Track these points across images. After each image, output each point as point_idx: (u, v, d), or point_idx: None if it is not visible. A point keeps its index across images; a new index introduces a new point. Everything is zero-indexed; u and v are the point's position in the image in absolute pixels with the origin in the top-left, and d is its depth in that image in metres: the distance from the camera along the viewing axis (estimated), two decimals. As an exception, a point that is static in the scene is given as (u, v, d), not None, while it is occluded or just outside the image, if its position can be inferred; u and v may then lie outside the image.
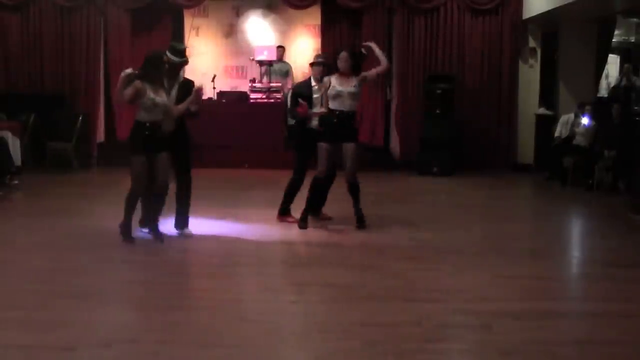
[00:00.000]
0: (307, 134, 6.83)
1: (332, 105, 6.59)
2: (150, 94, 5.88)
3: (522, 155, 11.83)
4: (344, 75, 6.61)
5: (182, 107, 6.14)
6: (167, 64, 6.12)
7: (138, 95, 5.86)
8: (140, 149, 5.92)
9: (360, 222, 6.78)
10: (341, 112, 6.59)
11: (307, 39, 13.14)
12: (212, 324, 4.19)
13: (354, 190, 6.75)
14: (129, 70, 5.93)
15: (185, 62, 6.46)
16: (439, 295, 4.76)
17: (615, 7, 10.58)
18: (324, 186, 6.92)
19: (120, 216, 6.25)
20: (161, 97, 5.98)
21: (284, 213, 7.05)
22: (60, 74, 11.82)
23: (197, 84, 6.38)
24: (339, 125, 6.60)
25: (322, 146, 6.64)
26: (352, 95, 6.61)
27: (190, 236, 6.41)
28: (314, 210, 6.98)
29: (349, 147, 6.64)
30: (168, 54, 6.24)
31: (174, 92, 6.27)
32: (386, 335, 4.02)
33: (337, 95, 6.57)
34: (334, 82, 6.58)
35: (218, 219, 7.03)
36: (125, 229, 6.10)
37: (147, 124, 5.93)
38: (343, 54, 6.65)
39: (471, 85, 11.69)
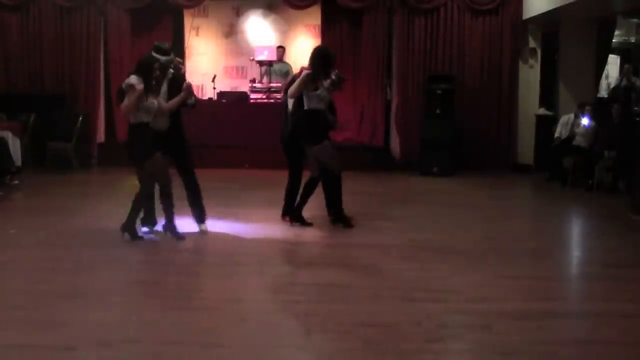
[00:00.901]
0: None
1: (318, 106, 6.66)
2: (148, 97, 6.00)
3: (522, 156, 11.83)
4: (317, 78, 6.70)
5: (173, 103, 6.23)
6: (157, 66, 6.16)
7: (140, 99, 5.94)
8: (152, 150, 6.03)
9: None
10: (323, 111, 6.76)
11: (307, 39, 13.14)
12: (212, 324, 4.19)
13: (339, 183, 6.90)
14: (141, 86, 5.97)
15: (172, 60, 6.42)
16: (439, 295, 4.76)
17: (615, 8, 10.58)
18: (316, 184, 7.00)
19: (118, 216, 6.26)
20: (155, 100, 6.10)
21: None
22: (60, 74, 11.83)
23: (196, 83, 6.41)
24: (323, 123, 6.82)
25: (327, 143, 6.72)
26: (328, 97, 6.80)
27: (205, 232, 6.53)
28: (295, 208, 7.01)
29: (330, 144, 6.83)
30: (153, 53, 6.26)
31: (164, 87, 6.33)
32: (386, 335, 4.03)
33: (321, 99, 6.69)
34: (320, 85, 6.66)
35: (218, 219, 7.03)
36: (132, 228, 6.17)
37: (150, 125, 6.06)
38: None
39: (471, 85, 11.69)
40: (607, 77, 13.18)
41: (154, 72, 6.08)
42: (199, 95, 12.30)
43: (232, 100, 11.74)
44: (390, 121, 11.98)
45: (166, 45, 6.49)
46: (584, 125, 10.12)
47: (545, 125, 11.44)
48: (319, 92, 6.61)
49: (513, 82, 11.70)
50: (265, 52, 12.09)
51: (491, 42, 11.66)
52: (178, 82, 6.42)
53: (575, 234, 7.60)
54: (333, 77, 6.70)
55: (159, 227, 6.52)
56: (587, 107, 10.19)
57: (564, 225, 7.80)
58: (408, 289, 4.94)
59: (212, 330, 4.10)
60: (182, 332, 4.05)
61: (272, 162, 11.26)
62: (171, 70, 6.44)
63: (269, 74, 12.04)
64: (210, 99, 11.89)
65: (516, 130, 11.80)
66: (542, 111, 11.73)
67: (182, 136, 6.47)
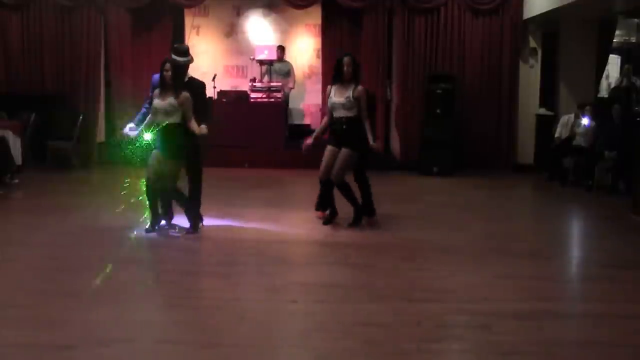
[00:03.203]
0: None
1: (333, 113, 6.83)
2: (155, 98, 6.25)
3: (522, 156, 11.83)
4: (344, 83, 6.75)
5: (194, 127, 6.24)
6: (172, 66, 6.25)
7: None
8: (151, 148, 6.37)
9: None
10: (338, 119, 6.78)
11: (307, 38, 13.16)
12: (211, 324, 4.19)
13: (340, 190, 6.90)
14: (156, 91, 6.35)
15: (189, 61, 6.50)
16: (439, 295, 4.76)
17: (616, 8, 10.58)
18: (329, 187, 6.96)
19: (117, 215, 6.23)
20: (165, 101, 6.19)
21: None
22: (61, 74, 11.82)
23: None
24: (339, 131, 6.79)
25: (326, 148, 6.86)
26: (343, 106, 6.73)
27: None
28: (324, 208, 7.13)
29: (341, 152, 6.75)
30: (173, 55, 6.37)
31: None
32: (386, 335, 4.02)
33: (333, 107, 6.80)
34: (332, 93, 6.80)
35: (218, 219, 7.03)
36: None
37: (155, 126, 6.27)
38: (347, 59, 6.76)
39: (471, 85, 11.68)
40: (607, 77, 13.16)
41: (165, 72, 6.22)
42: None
43: (232, 100, 11.75)
44: (390, 121, 11.98)
45: (185, 47, 6.60)
46: (584, 125, 10.11)
47: (545, 125, 11.45)
48: (328, 100, 6.84)
49: (513, 82, 11.70)
50: (266, 52, 12.11)
51: (492, 42, 11.65)
52: (191, 85, 6.46)
53: (575, 234, 7.60)
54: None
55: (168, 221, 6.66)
56: (588, 107, 10.19)
57: (563, 225, 7.79)
58: (407, 289, 4.94)
59: (211, 329, 4.10)
60: (182, 331, 4.05)
61: (273, 161, 11.30)
62: (188, 74, 6.54)
63: (269, 73, 12.04)
64: (210, 98, 11.89)
65: (516, 130, 11.79)
66: (542, 111, 11.73)
67: (193, 142, 6.41)
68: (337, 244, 6.31)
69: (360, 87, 6.75)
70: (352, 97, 6.68)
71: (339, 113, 6.76)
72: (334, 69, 6.90)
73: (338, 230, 6.77)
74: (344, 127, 6.74)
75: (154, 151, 6.31)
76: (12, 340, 3.84)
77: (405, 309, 4.49)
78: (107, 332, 3.97)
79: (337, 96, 6.76)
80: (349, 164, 6.79)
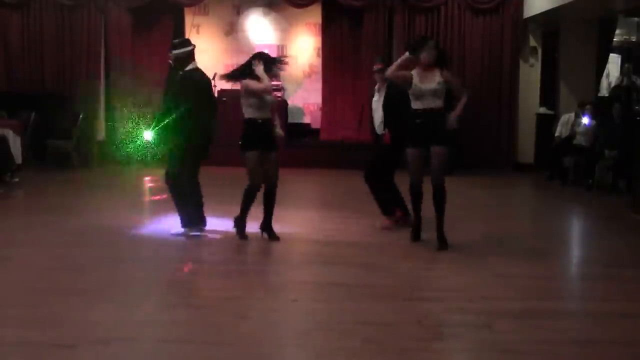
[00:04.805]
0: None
1: (415, 105, 5.91)
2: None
3: (522, 155, 11.84)
4: (427, 69, 5.87)
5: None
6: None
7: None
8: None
9: (441, 242, 6.06)
10: (428, 110, 5.88)
11: (307, 37, 13.16)
12: (212, 323, 4.19)
13: (438, 196, 6.14)
14: None
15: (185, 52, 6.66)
16: (439, 294, 4.76)
17: (616, 7, 10.58)
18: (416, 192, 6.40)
19: (118, 214, 6.23)
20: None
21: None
22: (61, 73, 11.83)
23: None
24: (424, 126, 5.89)
25: (410, 152, 6.07)
26: (435, 93, 5.86)
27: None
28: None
29: (437, 153, 5.93)
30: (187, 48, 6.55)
31: None
32: (386, 334, 4.02)
33: (420, 95, 5.86)
34: (415, 80, 5.85)
35: (218, 218, 7.02)
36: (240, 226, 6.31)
37: (260, 121, 6.63)
38: (431, 42, 5.99)
39: (472, 84, 11.67)
40: (607, 76, 13.17)
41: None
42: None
43: (232, 99, 11.72)
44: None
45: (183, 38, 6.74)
46: (585, 125, 10.12)
47: (545, 124, 11.46)
48: (410, 90, 5.90)
49: (514, 81, 11.71)
50: (266, 51, 12.07)
51: (492, 41, 11.66)
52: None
53: (576, 233, 7.60)
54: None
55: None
56: (588, 106, 10.20)
57: (564, 224, 7.79)
58: (408, 288, 4.94)
59: (212, 328, 4.10)
60: (182, 330, 4.05)
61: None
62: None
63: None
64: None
65: (517, 129, 11.81)
66: (542, 110, 11.74)
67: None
68: (337, 243, 6.31)
69: (447, 74, 5.92)
70: (443, 82, 5.84)
71: (427, 103, 5.82)
72: (416, 44, 5.94)
73: (337, 230, 6.77)
74: (437, 119, 5.88)
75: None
76: (12, 340, 3.84)
77: (406, 308, 4.49)
78: (107, 331, 3.97)
79: (423, 82, 5.81)
80: (447, 163, 6.12)
